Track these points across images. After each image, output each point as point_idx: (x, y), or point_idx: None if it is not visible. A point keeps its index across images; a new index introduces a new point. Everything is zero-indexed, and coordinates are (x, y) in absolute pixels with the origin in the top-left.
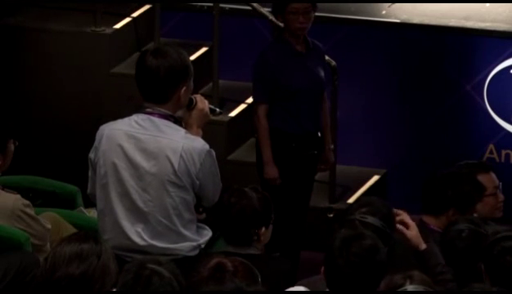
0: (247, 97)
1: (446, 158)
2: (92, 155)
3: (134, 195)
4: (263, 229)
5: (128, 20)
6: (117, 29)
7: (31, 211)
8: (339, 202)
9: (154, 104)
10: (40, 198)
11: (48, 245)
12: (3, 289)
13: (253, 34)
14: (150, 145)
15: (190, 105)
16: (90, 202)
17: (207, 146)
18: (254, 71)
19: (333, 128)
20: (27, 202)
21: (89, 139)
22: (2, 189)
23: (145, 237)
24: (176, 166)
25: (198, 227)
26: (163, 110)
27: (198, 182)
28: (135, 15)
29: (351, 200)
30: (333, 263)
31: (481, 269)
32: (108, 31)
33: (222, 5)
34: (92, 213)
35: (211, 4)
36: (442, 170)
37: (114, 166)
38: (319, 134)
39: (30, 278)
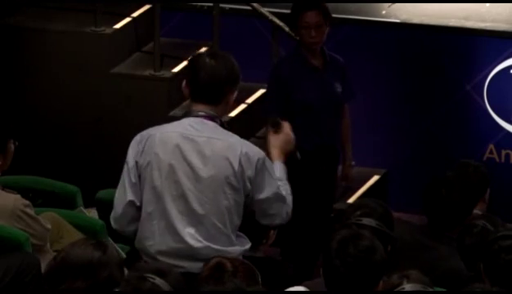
0: (247, 97)
1: (446, 157)
2: (138, 160)
3: (190, 197)
4: (272, 231)
5: (128, 19)
6: (117, 29)
7: (31, 211)
8: (339, 202)
9: (205, 106)
10: (40, 198)
11: (48, 245)
12: (3, 289)
13: (253, 34)
14: (206, 147)
15: (277, 127)
16: (90, 202)
17: (263, 153)
18: (268, 84)
19: None
20: (27, 202)
21: (89, 139)
22: (2, 189)
23: (200, 238)
24: (236, 167)
25: (237, 235)
26: (213, 113)
27: (250, 186)
28: (135, 15)
29: (351, 200)
30: (330, 264)
31: (480, 269)
32: (108, 31)
33: (222, 5)
34: (91, 213)
35: (211, 4)
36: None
37: (172, 167)
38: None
39: (30, 278)
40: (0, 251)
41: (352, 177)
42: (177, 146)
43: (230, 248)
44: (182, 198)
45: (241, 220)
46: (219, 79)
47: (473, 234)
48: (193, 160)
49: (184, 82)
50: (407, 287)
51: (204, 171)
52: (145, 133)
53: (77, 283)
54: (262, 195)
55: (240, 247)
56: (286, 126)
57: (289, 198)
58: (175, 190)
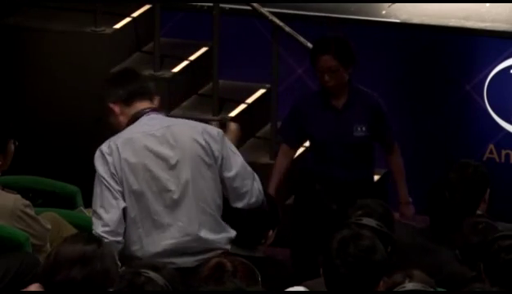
0: (247, 97)
1: (446, 158)
2: (112, 171)
3: (171, 187)
4: (271, 232)
5: (128, 19)
6: (117, 29)
7: (31, 211)
8: None
9: (142, 101)
10: (40, 198)
11: (48, 245)
12: (3, 289)
13: (253, 34)
14: (168, 136)
15: (223, 127)
16: (90, 202)
17: (220, 129)
18: (288, 112)
19: None
20: (27, 202)
21: (89, 139)
22: (2, 189)
23: (189, 231)
24: (203, 143)
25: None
26: (154, 106)
27: (220, 162)
28: (135, 15)
29: None
30: (331, 264)
31: (480, 269)
32: (108, 31)
33: (222, 5)
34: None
35: (211, 4)
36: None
37: (145, 167)
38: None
39: (30, 278)
40: (0, 251)
41: (409, 216)
42: (144, 145)
43: (218, 237)
44: (164, 191)
45: (224, 203)
46: (142, 78)
47: (477, 232)
48: (162, 151)
49: (111, 105)
50: (409, 286)
51: (174, 158)
52: (104, 147)
53: (72, 272)
54: (232, 172)
55: (226, 234)
56: (232, 126)
57: (256, 176)
58: (155, 187)
